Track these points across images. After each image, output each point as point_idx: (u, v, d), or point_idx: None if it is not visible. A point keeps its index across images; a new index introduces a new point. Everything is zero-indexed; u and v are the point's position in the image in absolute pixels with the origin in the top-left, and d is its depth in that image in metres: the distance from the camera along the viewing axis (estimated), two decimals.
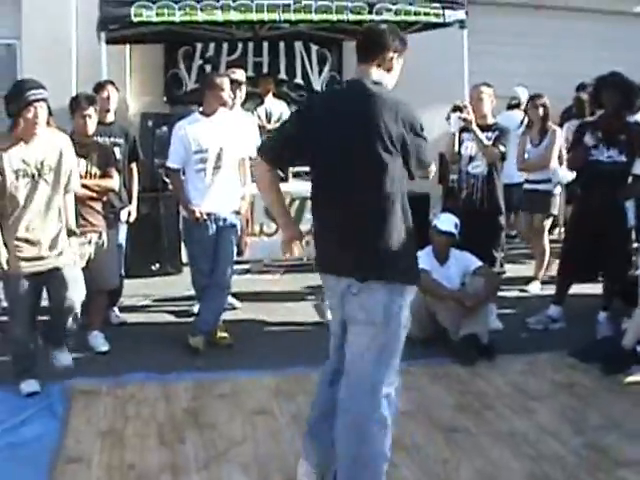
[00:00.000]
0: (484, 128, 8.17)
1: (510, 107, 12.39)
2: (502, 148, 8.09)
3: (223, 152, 7.53)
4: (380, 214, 4.32)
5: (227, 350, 7.52)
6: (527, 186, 9.99)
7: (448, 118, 8.26)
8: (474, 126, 8.02)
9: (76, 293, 6.54)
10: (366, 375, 4.43)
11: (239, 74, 8.98)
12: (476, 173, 8.22)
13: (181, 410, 6.07)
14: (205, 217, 7.45)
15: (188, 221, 7.59)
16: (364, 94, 4.43)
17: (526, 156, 9.76)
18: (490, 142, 8.06)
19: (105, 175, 7.37)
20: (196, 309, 8.11)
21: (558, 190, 9.90)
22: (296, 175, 10.09)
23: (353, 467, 4.36)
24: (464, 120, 8.05)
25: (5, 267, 6.14)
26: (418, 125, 4.38)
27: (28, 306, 6.35)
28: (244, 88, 9.07)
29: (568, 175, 9.28)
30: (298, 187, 9.02)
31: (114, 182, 7.48)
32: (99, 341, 7.59)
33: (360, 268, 4.37)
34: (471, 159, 8.24)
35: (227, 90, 7.63)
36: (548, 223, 9.94)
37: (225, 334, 7.71)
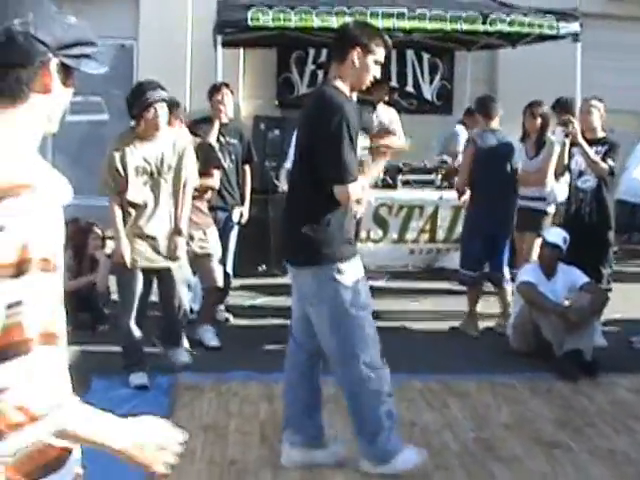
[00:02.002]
0: (593, 142, 8.10)
1: None
2: (611, 162, 8.00)
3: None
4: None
5: None
6: (520, 203, 8.91)
7: (554, 132, 8.23)
8: (580, 139, 7.93)
9: (183, 292, 6.78)
10: (335, 351, 4.91)
11: None
12: (585, 188, 8.16)
13: (282, 410, 6.15)
14: None
15: None
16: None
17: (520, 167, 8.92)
18: (599, 156, 7.98)
19: (205, 173, 7.50)
20: None
21: (552, 209, 9.06)
22: (405, 183, 10.12)
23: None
24: (567, 135, 7.99)
25: (127, 261, 6.37)
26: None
27: (140, 299, 6.58)
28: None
29: (563, 193, 8.88)
30: (406, 195, 9.04)
31: (214, 180, 7.63)
32: (209, 335, 7.75)
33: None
34: (581, 174, 8.18)
35: None
36: (538, 244, 8.75)
37: None
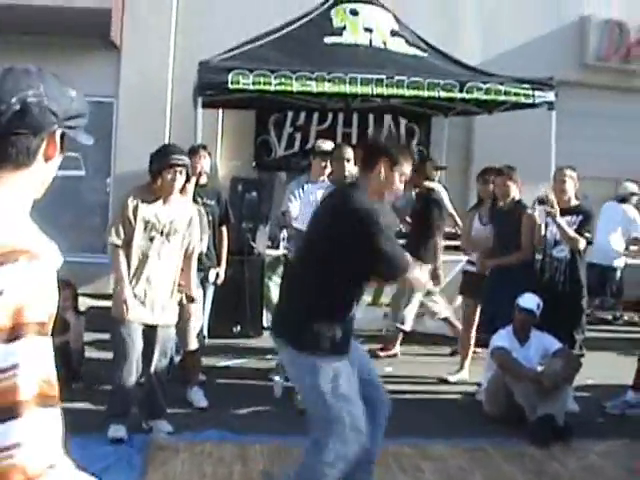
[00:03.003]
0: (567, 211, 8.22)
1: (620, 200, 12.23)
2: (588, 235, 8.16)
3: None
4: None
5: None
6: (470, 268, 9.24)
7: (533, 209, 8.31)
8: (559, 219, 8.03)
9: (168, 353, 6.85)
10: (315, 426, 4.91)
11: (328, 145, 9.03)
12: (560, 257, 8.27)
13: (257, 472, 6.15)
14: None
15: None
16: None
17: (473, 233, 9.29)
18: (574, 227, 8.09)
19: None
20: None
21: None
22: None
23: None
24: (548, 214, 8.09)
25: (125, 313, 6.44)
26: None
27: (136, 352, 6.59)
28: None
29: None
30: None
31: (202, 244, 7.69)
32: (199, 397, 7.76)
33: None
34: (556, 243, 8.28)
35: (350, 161, 7.98)
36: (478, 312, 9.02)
37: None
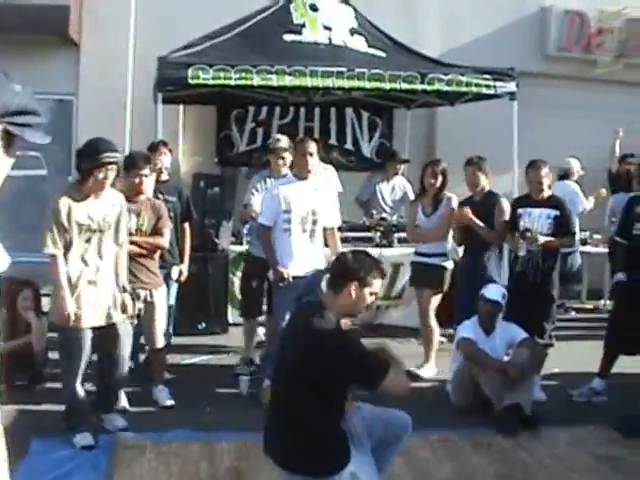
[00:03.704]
0: (542, 203, 8.30)
1: (561, 177, 12.44)
2: (573, 230, 8.64)
3: (311, 216, 7.75)
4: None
5: None
6: (417, 259, 9.19)
7: (518, 244, 8.40)
8: (540, 241, 8.22)
9: (127, 349, 6.74)
10: None
11: (283, 142, 8.98)
12: (532, 249, 8.29)
13: (224, 470, 6.11)
14: (290, 279, 7.63)
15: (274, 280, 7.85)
16: None
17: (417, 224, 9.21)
18: (550, 221, 8.26)
19: (156, 233, 7.51)
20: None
21: (451, 265, 9.20)
22: (344, 241, 10.14)
23: None
24: (531, 243, 8.26)
25: (71, 320, 6.30)
26: None
27: (85, 360, 6.49)
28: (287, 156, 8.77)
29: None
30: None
31: (164, 240, 7.61)
32: (164, 395, 7.69)
33: None
34: (526, 231, 8.30)
35: (314, 155, 7.88)
36: (437, 300, 9.10)
37: None
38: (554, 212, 8.27)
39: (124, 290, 6.74)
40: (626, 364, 8.38)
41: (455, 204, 8.91)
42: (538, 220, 8.30)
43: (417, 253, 9.22)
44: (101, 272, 6.51)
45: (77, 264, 6.38)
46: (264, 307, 9.06)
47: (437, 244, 9.01)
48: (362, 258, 4.97)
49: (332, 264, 5.14)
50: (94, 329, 6.51)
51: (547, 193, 8.44)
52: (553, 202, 8.39)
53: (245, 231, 9.91)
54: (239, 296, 9.67)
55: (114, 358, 6.75)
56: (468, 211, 8.59)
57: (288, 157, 8.58)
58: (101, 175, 6.28)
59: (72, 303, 6.33)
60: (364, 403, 5.10)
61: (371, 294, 4.86)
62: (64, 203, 6.30)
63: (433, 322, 9.06)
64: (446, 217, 8.94)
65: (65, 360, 6.58)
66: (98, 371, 6.90)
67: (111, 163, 6.30)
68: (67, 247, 6.33)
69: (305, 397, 4.67)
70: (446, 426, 7.24)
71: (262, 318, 9.22)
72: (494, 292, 7.95)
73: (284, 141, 8.77)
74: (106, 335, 6.62)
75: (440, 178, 8.90)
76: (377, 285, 4.88)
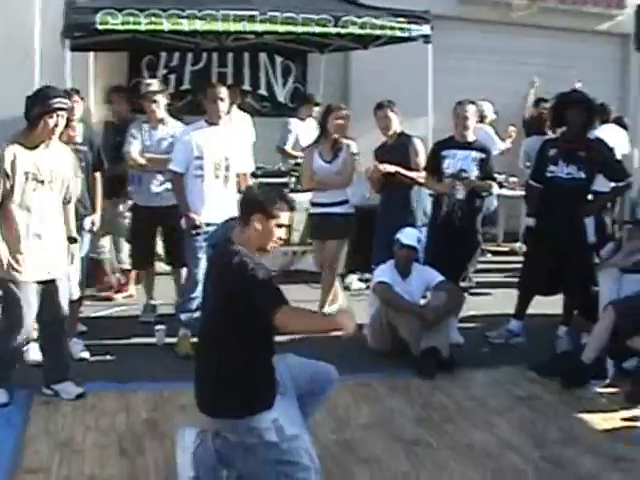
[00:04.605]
0: (465, 146, 8.37)
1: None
2: (495, 174, 8.81)
3: (224, 162, 7.66)
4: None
5: (188, 360, 7.48)
6: (319, 210, 8.90)
7: (453, 189, 8.36)
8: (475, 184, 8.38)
9: (66, 303, 6.59)
10: None
11: (154, 85, 8.83)
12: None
13: (141, 421, 6.05)
14: (203, 226, 7.53)
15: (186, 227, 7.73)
16: None
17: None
18: (476, 164, 8.37)
19: None
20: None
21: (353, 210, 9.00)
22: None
23: None
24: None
25: (18, 274, 6.15)
26: None
27: (31, 315, 6.31)
28: (160, 99, 8.65)
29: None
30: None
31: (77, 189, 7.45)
32: (78, 347, 7.55)
33: None
34: (462, 172, 8.32)
35: (225, 100, 7.82)
36: (345, 248, 9.07)
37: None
38: (479, 155, 8.34)
39: (74, 241, 6.67)
40: (542, 305, 8.47)
41: (355, 150, 8.84)
42: (464, 162, 8.32)
43: (316, 204, 8.95)
44: (46, 225, 6.30)
45: (22, 214, 6.16)
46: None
47: (339, 192, 8.76)
48: (268, 190, 4.91)
49: (240, 199, 5.04)
50: (41, 283, 6.33)
51: (471, 136, 8.48)
52: (478, 145, 8.47)
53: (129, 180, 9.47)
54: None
55: (59, 318, 6.52)
56: (386, 167, 8.56)
57: (162, 100, 8.54)
58: (51, 121, 6.12)
59: (5, 252, 6.13)
60: (291, 354, 5.04)
61: (279, 226, 4.75)
62: (10, 151, 6.10)
63: (337, 270, 9.02)
64: (348, 163, 8.76)
65: (7, 314, 6.35)
66: (41, 333, 6.65)
67: (62, 109, 6.17)
68: (5, 195, 6.10)
69: (226, 338, 4.60)
70: (364, 371, 7.26)
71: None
72: (410, 236, 7.95)
73: (155, 84, 8.69)
74: (52, 289, 6.42)
75: (342, 121, 8.68)
76: (284, 217, 4.77)
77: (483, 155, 8.37)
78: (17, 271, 6.17)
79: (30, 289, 6.25)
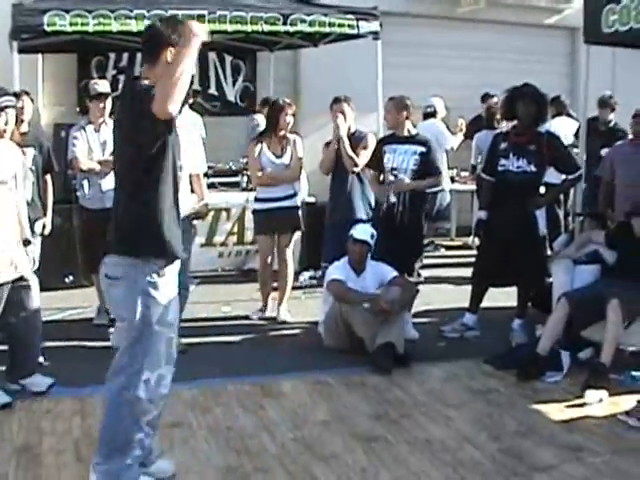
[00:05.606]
0: (407, 140, 8.40)
1: (426, 116, 12.59)
2: (439, 169, 8.74)
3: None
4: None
5: None
6: (268, 205, 8.91)
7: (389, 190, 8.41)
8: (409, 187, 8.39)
9: (38, 303, 6.61)
10: (120, 359, 4.77)
11: (103, 86, 8.78)
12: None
13: (97, 425, 5.98)
14: None
15: None
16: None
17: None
18: (415, 157, 8.35)
19: None
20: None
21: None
22: (211, 186, 10.03)
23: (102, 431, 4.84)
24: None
25: None
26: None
27: None
28: (108, 101, 8.60)
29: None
30: (212, 198, 8.93)
31: (27, 192, 7.39)
32: None
33: None
34: (393, 170, 8.33)
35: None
36: (296, 241, 9.34)
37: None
38: (420, 148, 8.34)
39: (28, 243, 6.63)
40: (496, 298, 8.52)
41: (300, 144, 8.98)
42: (404, 156, 8.34)
43: (263, 199, 8.99)
44: (9, 225, 6.29)
45: None
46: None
47: (289, 185, 8.96)
48: (173, 22, 4.65)
49: (142, 38, 4.79)
50: (5, 285, 6.30)
51: (412, 130, 8.52)
52: (418, 139, 8.49)
53: (78, 185, 9.31)
54: None
55: (27, 316, 6.52)
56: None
57: (109, 103, 8.47)
58: (1, 120, 6.15)
59: None
60: None
61: None
62: None
63: (291, 265, 9.14)
64: (296, 157, 8.91)
65: None
66: (8, 333, 6.62)
67: (8, 107, 6.19)
68: None
69: (132, 174, 4.59)
70: (320, 368, 7.27)
71: None
72: (363, 232, 7.96)
73: (104, 86, 8.64)
74: (16, 291, 6.39)
75: (290, 118, 8.85)
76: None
77: (423, 149, 8.36)
78: None
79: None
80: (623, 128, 10.63)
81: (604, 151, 9.72)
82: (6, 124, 6.18)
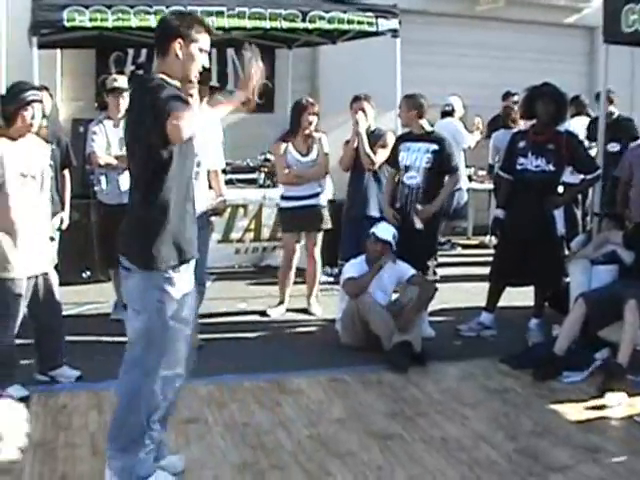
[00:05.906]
0: (421, 138, 8.35)
1: (443, 115, 12.58)
2: (455, 167, 8.61)
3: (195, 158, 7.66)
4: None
5: None
6: (294, 204, 8.98)
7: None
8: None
9: (59, 298, 6.71)
10: (132, 353, 4.78)
11: (121, 81, 8.78)
12: (411, 184, 8.29)
13: None
14: None
15: None
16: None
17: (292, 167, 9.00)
18: (427, 155, 8.28)
19: None
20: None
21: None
22: (228, 182, 10.03)
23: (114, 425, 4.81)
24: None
25: (10, 271, 6.15)
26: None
27: (22, 310, 6.32)
28: (126, 96, 8.47)
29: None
30: (229, 195, 8.92)
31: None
32: None
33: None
34: (407, 169, 8.32)
35: (193, 97, 7.76)
36: (320, 238, 9.21)
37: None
38: (433, 146, 8.28)
39: (52, 239, 6.76)
40: (513, 297, 8.50)
41: (326, 142, 9.00)
42: (417, 154, 8.31)
43: (289, 198, 9.04)
44: (36, 220, 6.34)
45: (14, 212, 6.17)
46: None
47: (314, 184, 8.97)
48: (183, 15, 4.77)
49: (155, 32, 4.85)
50: (30, 279, 6.37)
51: (428, 127, 8.50)
52: (433, 137, 8.43)
53: (96, 180, 9.30)
54: None
55: (53, 308, 6.62)
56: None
57: (127, 97, 8.35)
58: (28, 114, 6.18)
59: (11, 249, 6.16)
60: None
61: (200, 51, 4.63)
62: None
63: (318, 263, 9.19)
64: (322, 155, 8.97)
65: (1, 312, 6.32)
66: (36, 325, 6.67)
67: (36, 101, 6.23)
68: None
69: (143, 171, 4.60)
70: (336, 365, 7.27)
71: None
72: (386, 231, 7.94)
73: (122, 80, 8.66)
74: (43, 284, 6.49)
75: (315, 117, 8.91)
76: (204, 40, 4.64)
77: (436, 147, 8.29)
78: (7, 270, 6.17)
79: (23, 286, 6.27)
80: (628, 116, 10.65)
81: (611, 145, 9.70)
82: (32, 118, 6.20)
